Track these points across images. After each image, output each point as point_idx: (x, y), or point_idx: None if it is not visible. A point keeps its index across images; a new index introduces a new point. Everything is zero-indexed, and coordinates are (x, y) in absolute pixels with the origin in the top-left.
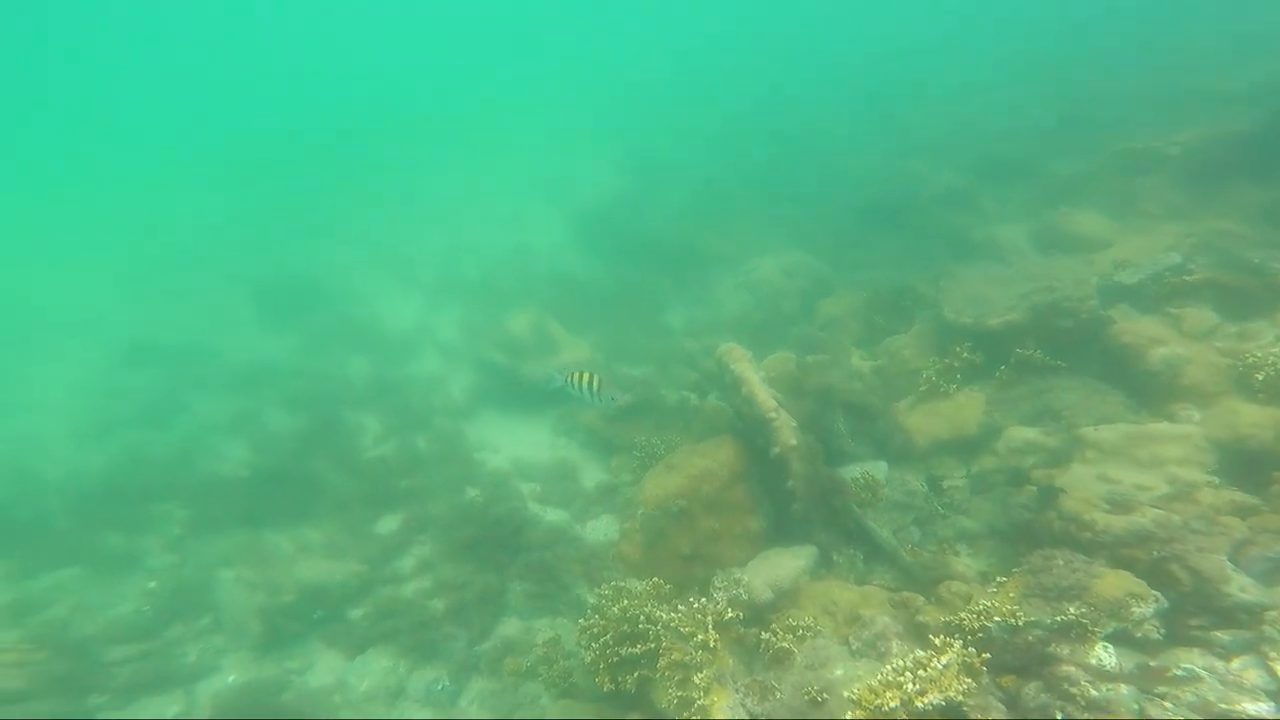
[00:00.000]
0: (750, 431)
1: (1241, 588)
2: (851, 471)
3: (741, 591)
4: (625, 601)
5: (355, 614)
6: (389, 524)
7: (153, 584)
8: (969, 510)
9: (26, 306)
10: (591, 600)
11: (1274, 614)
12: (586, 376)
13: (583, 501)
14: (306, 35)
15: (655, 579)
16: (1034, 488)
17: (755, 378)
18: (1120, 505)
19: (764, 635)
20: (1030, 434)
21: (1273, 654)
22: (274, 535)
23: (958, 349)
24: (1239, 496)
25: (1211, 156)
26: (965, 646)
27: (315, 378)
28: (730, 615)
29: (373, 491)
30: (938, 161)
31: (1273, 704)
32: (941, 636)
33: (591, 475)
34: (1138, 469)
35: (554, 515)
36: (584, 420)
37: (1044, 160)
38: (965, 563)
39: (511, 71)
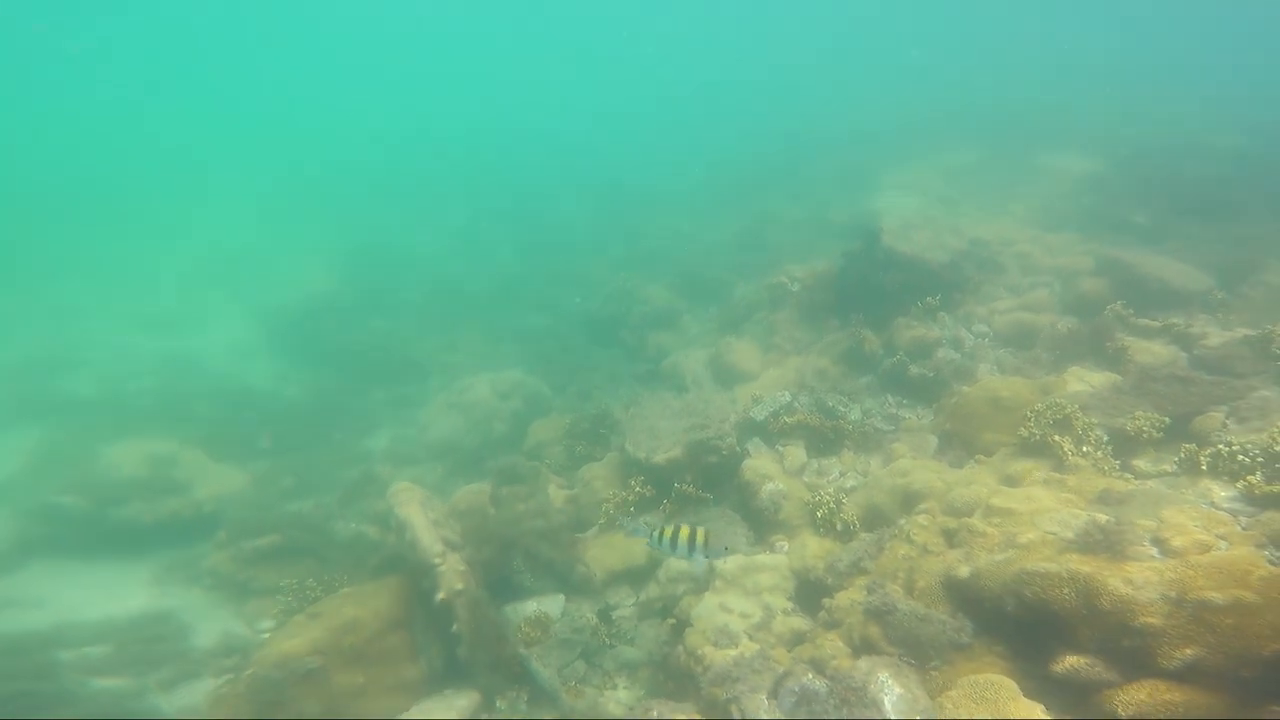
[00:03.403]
0: (417, 575)
1: None
2: (527, 608)
3: None
4: None
5: None
6: None
7: None
8: (634, 639)
9: None
10: None
11: None
12: (685, 531)
13: (182, 662)
14: None
15: None
16: (673, 620)
17: (423, 520)
18: (724, 638)
19: None
20: (685, 563)
21: None
22: None
23: (633, 482)
24: (799, 623)
25: (816, 296)
26: None
27: None
28: None
29: None
30: (653, 274)
31: None
32: None
33: (217, 628)
34: (746, 597)
35: (113, 684)
36: (209, 563)
37: (731, 281)
38: (619, 696)
39: (209, 141)
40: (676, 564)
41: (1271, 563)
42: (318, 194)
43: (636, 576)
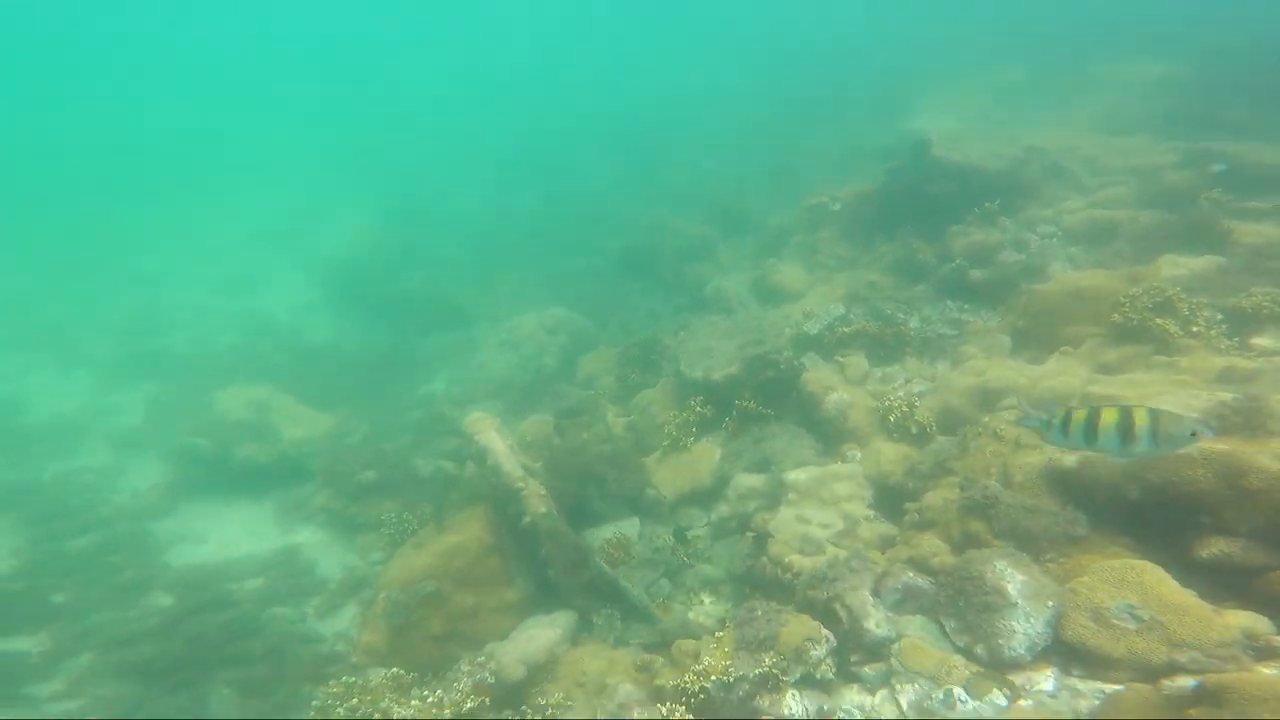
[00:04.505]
0: (502, 501)
1: (876, 623)
2: (605, 531)
3: (488, 675)
4: (355, 699)
5: None
6: (17, 645)
7: None
8: (711, 558)
9: None
10: (315, 701)
11: (898, 646)
12: (1110, 415)
13: (324, 592)
14: None
15: (395, 669)
16: (752, 534)
17: (502, 446)
18: (809, 546)
19: None
20: (753, 480)
21: (898, 686)
22: None
23: (692, 403)
24: (884, 528)
25: (859, 213)
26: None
27: None
28: (470, 704)
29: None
30: (682, 211)
31: None
32: (668, 704)
33: (336, 561)
34: (823, 508)
35: (282, 612)
36: (318, 501)
37: (763, 212)
38: (707, 610)
39: (251, 114)
40: (745, 481)
41: None
42: (359, 158)
43: (704, 498)
